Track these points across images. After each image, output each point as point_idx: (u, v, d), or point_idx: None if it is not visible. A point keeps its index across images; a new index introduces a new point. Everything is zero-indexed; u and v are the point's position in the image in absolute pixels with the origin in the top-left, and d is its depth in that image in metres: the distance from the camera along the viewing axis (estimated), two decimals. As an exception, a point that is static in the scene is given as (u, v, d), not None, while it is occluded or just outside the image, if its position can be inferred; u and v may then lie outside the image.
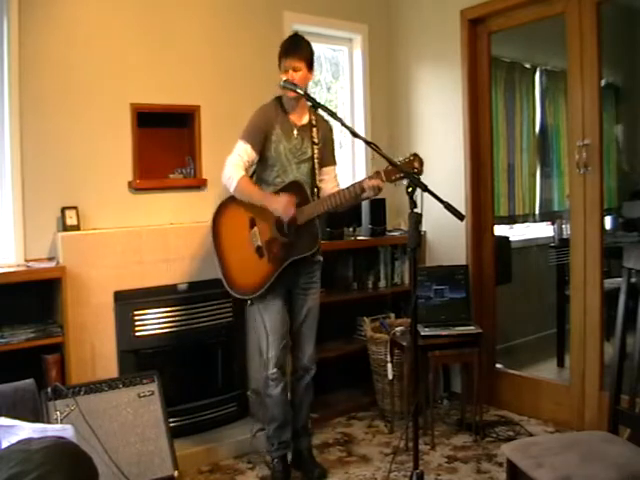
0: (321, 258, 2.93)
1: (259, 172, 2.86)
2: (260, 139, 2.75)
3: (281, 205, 2.66)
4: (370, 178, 2.61)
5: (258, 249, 2.75)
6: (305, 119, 2.84)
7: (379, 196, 3.90)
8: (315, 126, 2.84)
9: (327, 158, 2.91)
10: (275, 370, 2.78)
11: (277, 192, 2.73)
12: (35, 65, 2.90)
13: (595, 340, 3.18)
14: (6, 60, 2.83)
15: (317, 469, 2.91)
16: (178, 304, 3.15)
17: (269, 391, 2.82)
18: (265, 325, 2.78)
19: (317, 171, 2.84)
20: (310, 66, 2.77)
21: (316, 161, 2.83)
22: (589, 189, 3.19)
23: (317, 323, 2.93)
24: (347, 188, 2.67)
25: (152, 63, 3.24)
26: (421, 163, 2.49)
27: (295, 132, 2.80)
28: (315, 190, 2.84)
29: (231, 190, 2.75)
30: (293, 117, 2.81)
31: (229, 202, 2.82)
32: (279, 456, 2.87)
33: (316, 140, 2.84)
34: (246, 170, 2.75)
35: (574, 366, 3.32)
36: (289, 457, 2.94)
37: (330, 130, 2.95)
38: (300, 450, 2.97)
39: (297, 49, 2.73)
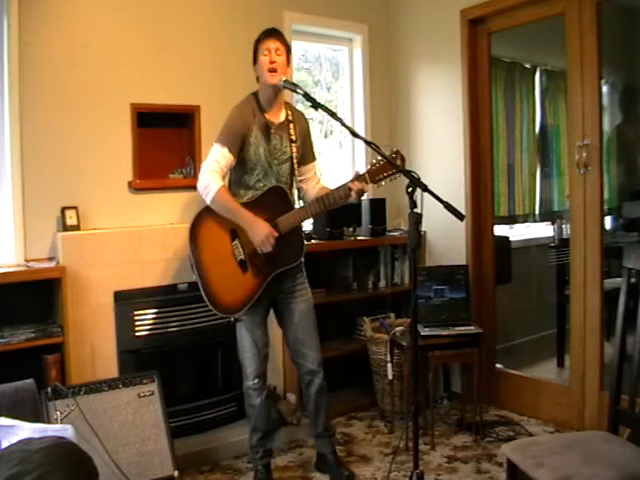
0: (302, 258, 2.78)
1: (238, 176, 2.73)
2: (238, 142, 2.62)
3: (261, 237, 2.54)
4: (353, 181, 2.54)
5: (241, 263, 2.63)
6: (282, 116, 2.75)
7: (379, 196, 3.94)
8: (292, 122, 2.74)
9: (307, 155, 2.82)
10: (256, 381, 2.75)
11: (258, 198, 2.65)
12: (35, 65, 2.90)
13: (595, 340, 3.18)
14: (6, 60, 2.83)
15: (344, 471, 2.84)
16: (178, 304, 3.14)
17: (251, 401, 2.79)
18: (245, 340, 2.73)
19: (297, 169, 2.74)
20: (288, 58, 2.68)
21: (295, 160, 2.72)
22: (589, 189, 3.19)
23: (315, 324, 2.82)
24: (334, 191, 2.58)
25: (152, 63, 3.24)
26: (403, 160, 2.46)
27: (273, 131, 2.70)
28: (296, 191, 2.76)
29: (207, 201, 2.58)
30: (270, 115, 2.71)
31: (208, 212, 2.64)
32: (263, 464, 2.83)
33: (294, 137, 2.73)
34: (224, 177, 2.62)
35: (574, 366, 3.32)
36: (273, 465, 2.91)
37: (307, 123, 2.86)
38: (324, 454, 2.91)
39: (277, 33, 2.67)
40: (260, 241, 2.55)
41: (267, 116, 2.71)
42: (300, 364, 2.84)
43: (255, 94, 2.74)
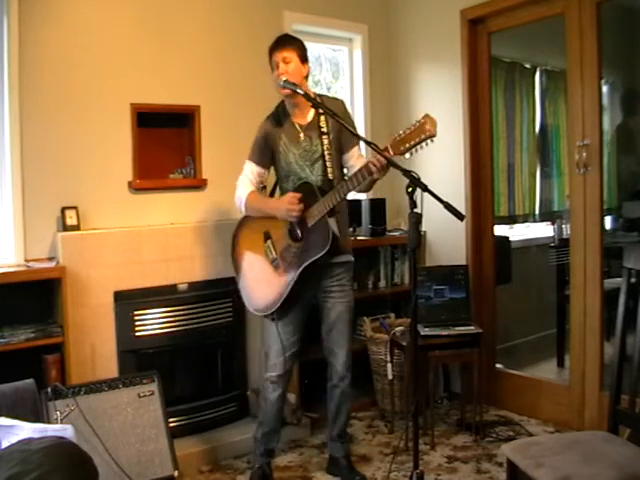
0: (349, 258, 2.80)
1: (280, 183, 2.84)
2: (263, 154, 2.76)
3: (283, 206, 2.61)
4: (376, 157, 2.42)
5: (274, 261, 2.70)
6: (311, 114, 2.73)
7: (379, 196, 3.94)
8: (322, 114, 2.69)
9: (346, 142, 2.76)
10: (274, 373, 2.76)
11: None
12: (35, 65, 2.90)
13: (595, 340, 3.18)
14: (6, 60, 2.83)
15: (356, 476, 2.84)
16: (178, 304, 3.14)
17: (266, 394, 2.80)
18: (271, 333, 2.75)
19: (329, 165, 2.67)
20: (303, 58, 2.67)
21: (327, 154, 2.68)
22: (589, 189, 3.19)
23: (349, 327, 2.82)
24: (353, 175, 2.51)
25: (152, 63, 3.24)
26: (434, 124, 2.24)
27: (302, 135, 2.71)
28: (333, 186, 2.64)
29: (242, 209, 2.78)
30: (297, 118, 2.73)
31: (243, 222, 2.85)
32: (262, 463, 2.81)
33: (325, 129, 2.69)
34: (253, 185, 2.77)
35: (574, 366, 3.32)
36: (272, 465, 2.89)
37: (342, 107, 2.77)
38: (336, 457, 2.91)
39: (285, 41, 2.67)
40: (286, 211, 2.60)
41: (294, 120, 2.74)
42: (330, 363, 2.85)
43: (282, 102, 2.78)
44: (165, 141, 3.34)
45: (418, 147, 2.29)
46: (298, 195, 2.60)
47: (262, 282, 2.73)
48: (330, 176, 2.68)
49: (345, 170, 2.83)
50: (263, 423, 2.83)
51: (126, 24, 3.16)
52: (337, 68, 4.25)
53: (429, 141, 2.26)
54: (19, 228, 2.88)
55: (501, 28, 3.63)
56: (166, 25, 3.29)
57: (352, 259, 2.83)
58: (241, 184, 2.78)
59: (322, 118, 2.69)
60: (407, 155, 2.32)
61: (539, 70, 4.58)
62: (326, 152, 2.69)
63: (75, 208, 2.98)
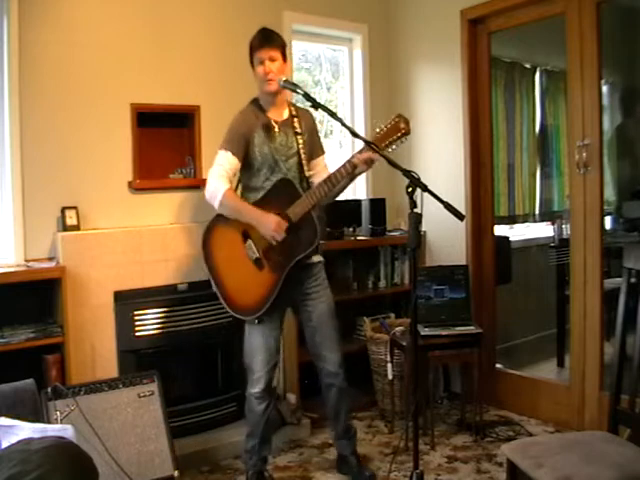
0: (321, 258, 2.80)
1: (245, 180, 2.75)
2: (241, 145, 2.64)
3: (270, 228, 2.53)
4: (361, 152, 2.51)
5: (257, 261, 2.63)
6: (285, 113, 2.76)
7: (379, 196, 3.95)
8: (296, 116, 2.74)
9: (314, 149, 2.80)
10: (260, 389, 2.72)
11: (266, 194, 2.65)
12: (35, 65, 2.90)
13: (595, 340, 3.18)
14: (6, 60, 2.83)
15: (366, 472, 2.82)
16: (178, 304, 3.14)
17: (252, 407, 2.76)
18: (256, 343, 2.70)
19: (304, 163, 2.71)
20: (284, 56, 2.69)
21: (302, 152, 2.70)
22: (589, 189, 3.19)
23: (334, 325, 2.79)
24: (337, 170, 2.55)
25: (152, 63, 3.24)
26: (407, 122, 2.41)
27: (277, 129, 2.70)
28: (306, 184, 2.72)
29: (215, 205, 2.61)
30: (272, 115, 2.73)
31: (218, 220, 2.69)
32: (255, 471, 2.79)
33: (299, 130, 2.72)
34: (230, 181, 2.63)
35: (574, 366, 3.32)
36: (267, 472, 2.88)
37: (312, 119, 2.84)
38: (344, 455, 2.90)
39: (271, 39, 2.66)
40: (271, 233, 2.55)
41: (269, 115, 2.73)
42: (320, 366, 2.81)
43: (255, 99, 2.77)
44: (165, 141, 3.34)
45: (395, 145, 2.48)
46: (286, 224, 2.56)
47: (246, 283, 2.64)
48: (306, 173, 2.71)
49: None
50: (253, 435, 2.78)
51: (126, 24, 3.16)
52: (337, 68, 4.25)
53: (404, 140, 2.47)
54: (19, 228, 2.88)
55: (501, 28, 3.63)
56: (166, 25, 3.29)
57: (323, 259, 2.82)
58: (216, 176, 2.59)
59: (296, 120, 2.74)
60: (390, 149, 2.49)
61: (539, 70, 4.58)
62: (301, 150, 2.71)
63: (75, 208, 2.98)
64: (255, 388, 2.73)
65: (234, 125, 2.69)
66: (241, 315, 2.67)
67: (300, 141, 2.72)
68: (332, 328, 2.79)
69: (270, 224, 2.54)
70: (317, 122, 2.92)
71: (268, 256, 2.63)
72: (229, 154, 2.63)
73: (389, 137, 2.46)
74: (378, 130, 2.49)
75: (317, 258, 2.78)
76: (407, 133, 2.41)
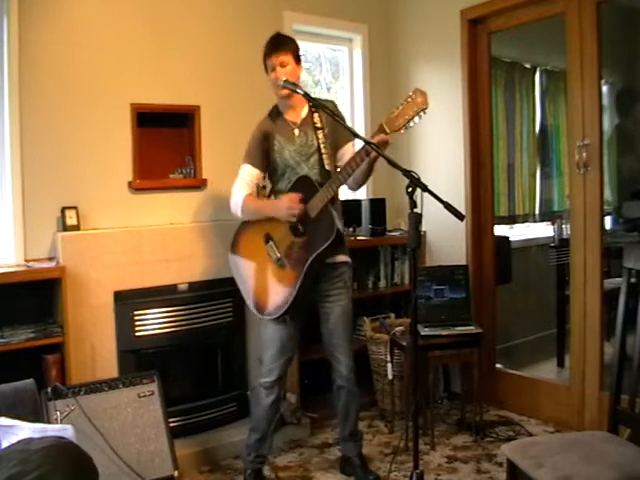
0: (347, 259, 2.78)
1: (274, 185, 2.82)
2: (259, 154, 2.73)
3: (284, 205, 2.60)
4: (373, 136, 2.46)
5: (278, 261, 2.68)
6: (304, 111, 2.76)
7: (379, 196, 3.95)
8: (316, 111, 2.72)
9: (339, 139, 2.75)
10: (268, 379, 2.74)
11: (287, 193, 2.67)
12: (35, 65, 2.90)
13: (595, 340, 3.18)
14: (6, 60, 2.82)
15: (370, 475, 2.82)
16: (178, 304, 3.14)
17: (259, 399, 2.78)
18: (268, 337, 2.74)
19: (325, 157, 2.68)
20: (297, 59, 2.71)
21: (322, 147, 2.69)
22: (589, 189, 3.19)
23: (349, 329, 2.81)
24: (352, 158, 2.51)
25: (152, 63, 3.24)
26: (424, 95, 2.34)
27: (297, 131, 2.73)
28: (332, 175, 2.66)
29: (239, 214, 2.74)
30: (290, 116, 2.75)
31: (241, 228, 2.83)
32: (253, 469, 2.81)
33: (319, 125, 2.71)
34: (251, 189, 2.74)
35: (574, 366, 3.32)
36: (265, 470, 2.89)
37: (333, 105, 2.79)
38: (349, 457, 2.90)
39: (281, 44, 2.68)
40: (286, 211, 2.59)
41: (287, 117, 2.75)
42: (334, 367, 2.83)
43: (275, 105, 2.80)
44: (165, 141, 3.34)
45: (412, 122, 2.39)
46: (299, 195, 2.60)
47: (271, 283, 2.70)
48: (327, 167, 2.69)
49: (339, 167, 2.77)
50: (256, 430, 2.80)
51: (126, 24, 3.16)
52: (337, 68, 4.25)
53: (422, 114, 2.38)
54: (19, 228, 2.87)
55: (501, 28, 3.63)
56: (166, 25, 3.29)
57: (349, 260, 2.81)
58: (237, 188, 2.74)
59: (316, 115, 2.72)
60: (402, 130, 2.42)
61: (539, 70, 4.58)
62: (322, 145, 2.70)
63: (75, 208, 2.98)
64: (265, 378, 2.76)
65: (251, 139, 2.78)
66: (268, 315, 2.70)
67: (320, 136, 2.70)
68: (346, 331, 2.80)
69: (283, 203, 2.62)
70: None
71: (289, 255, 2.66)
72: (248, 166, 2.75)
73: (406, 114, 2.38)
74: (394, 110, 2.41)
75: (342, 258, 2.76)
76: (425, 107, 2.34)
